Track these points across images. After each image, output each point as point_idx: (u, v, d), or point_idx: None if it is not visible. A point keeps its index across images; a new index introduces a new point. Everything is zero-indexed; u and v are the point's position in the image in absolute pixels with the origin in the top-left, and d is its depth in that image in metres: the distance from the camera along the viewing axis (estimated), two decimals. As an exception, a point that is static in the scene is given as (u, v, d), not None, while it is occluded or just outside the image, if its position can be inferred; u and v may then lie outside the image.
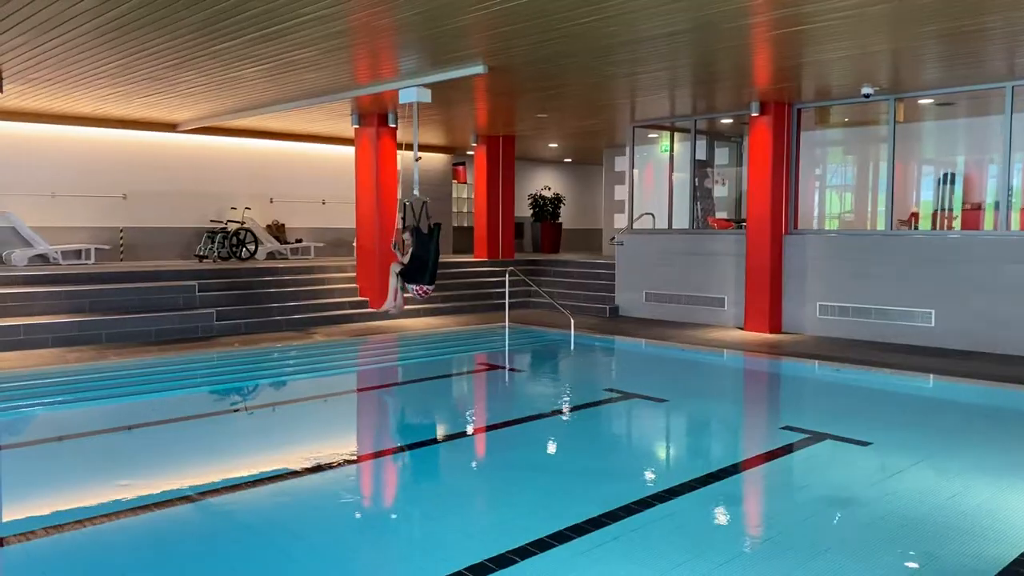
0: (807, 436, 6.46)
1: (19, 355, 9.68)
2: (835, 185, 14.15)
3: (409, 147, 10.58)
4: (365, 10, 7.04)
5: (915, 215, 12.74)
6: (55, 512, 4.85)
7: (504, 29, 7.69)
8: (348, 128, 14.07)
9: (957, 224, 12.20)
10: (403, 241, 10.17)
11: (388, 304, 10.43)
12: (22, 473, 5.87)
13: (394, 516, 5.00)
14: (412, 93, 10.13)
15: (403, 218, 10.25)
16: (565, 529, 4.40)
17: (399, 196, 10.23)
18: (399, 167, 13.17)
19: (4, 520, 4.92)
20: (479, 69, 9.12)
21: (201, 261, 14.59)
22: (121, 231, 14.68)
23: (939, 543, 4.37)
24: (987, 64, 9.20)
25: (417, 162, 10.32)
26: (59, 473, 5.78)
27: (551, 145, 18.87)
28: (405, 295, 10.35)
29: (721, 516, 4.86)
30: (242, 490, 5.24)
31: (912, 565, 4.14)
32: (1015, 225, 10.86)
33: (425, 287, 9.91)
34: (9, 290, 10.79)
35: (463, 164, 21.23)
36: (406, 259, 10.04)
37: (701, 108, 12.83)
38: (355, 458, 6.23)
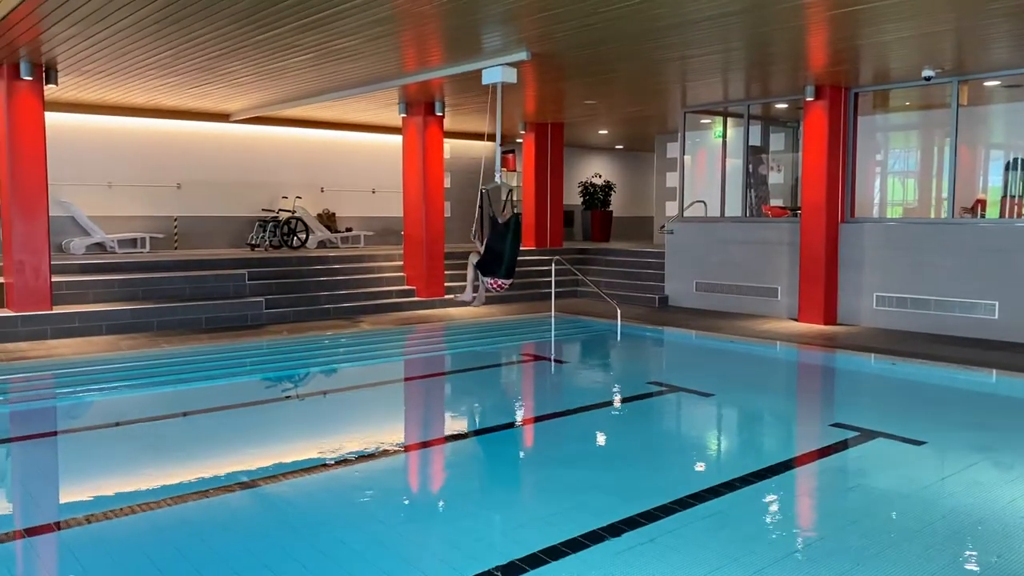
0: (858, 434, 6.21)
1: (75, 342, 9.91)
2: (895, 171, 13.65)
3: (492, 137, 9.74)
4: (405, -4, 6.96)
5: (981, 202, 12.21)
6: (112, 496, 4.95)
7: (546, 14, 7.53)
8: (396, 117, 14.06)
9: (1027, 212, 11.66)
10: (482, 231, 9.63)
11: (466, 296, 9.88)
12: (81, 458, 5.98)
13: (428, 509, 4.93)
14: (496, 73, 9.39)
15: (480, 207, 9.59)
16: (599, 529, 4.28)
17: (479, 184, 9.52)
18: (447, 155, 13.03)
19: (64, 503, 5.03)
20: (522, 56, 8.96)
21: (253, 250, 14.77)
22: (175, 220, 14.94)
23: (997, 550, 4.14)
24: (1059, 43, 8.73)
25: (500, 147, 9.66)
26: (113, 458, 5.87)
27: (601, 132, 18.62)
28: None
29: (762, 518, 4.67)
30: (291, 477, 5.27)
31: (969, 570, 3.92)
32: (1088, 213, 10.34)
33: (500, 281, 9.33)
34: (66, 278, 11.04)
35: (512, 152, 21.09)
36: (483, 249, 9.53)
37: (754, 92, 12.48)
38: (396, 450, 6.19)
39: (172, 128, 14.69)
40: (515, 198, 9.60)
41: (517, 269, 9.60)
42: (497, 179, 9.57)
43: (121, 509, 4.65)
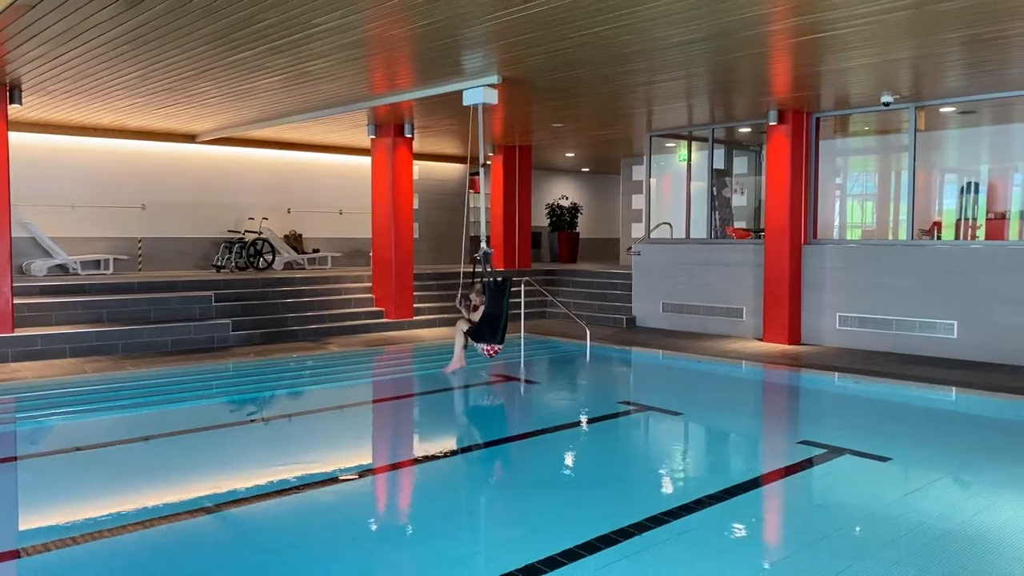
0: (825, 451, 6.33)
1: (37, 365, 9.73)
2: (856, 194, 13.98)
3: (474, 159, 9.39)
4: (378, 21, 7.03)
5: (937, 224, 12.55)
6: (72, 523, 4.86)
7: (518, 39, 7.65)
8: (365, 138, 14.10)
9: (981, 234, 12.00)
10: (471, 299, 9.30)
11: (453, 366, 9.52)
12: (40, 484, 5.85)
13: (401, 531, 4.92)
14: (478, 94, 9.15)
15: (473, 274, 9.29)
16: (575, 547, 4.31)
17: (482, 246, 9.17)
18: (416, 176, 13.02)
19: (22, 530, 4.92)
20: (493, 79, 9.08)
21: (219, 271, 14.63)
22: (139, 241, 14.77)
23: (962, 563, 4.24)
24: (1010, 71, 9.04)
25: (484, 168, 9.35)
26: (76, 484, 5.77)
27: (568, 154, 18.83)
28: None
29: (735, 534, 4.74)
30: (260, 501, 5.22)
31: (933, 587, 4.03)
32: (1040, 235, 10.67)
33: (496, 347, 9.03)
34: (28, 300, 10.85)
35: (477, 174, 21.20)
36: (475, 316, 9.16)
37: (719, 117, 12.73)
38: (367, 471, 6.18)
39: (137, 149, 14.56)
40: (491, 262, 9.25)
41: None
42: (483, 245, 9.30)
43: (83, 536, 4.57)
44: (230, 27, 7.21)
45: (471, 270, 9.53)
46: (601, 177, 23.47)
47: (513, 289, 9.47)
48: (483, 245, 9.33)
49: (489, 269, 9.24)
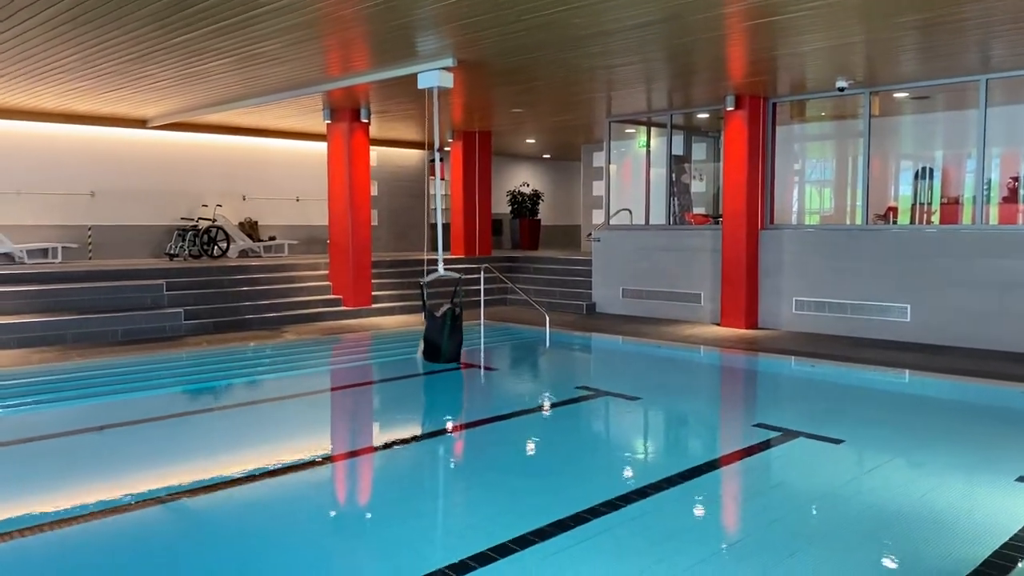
0: (780, 434, 6.35)
1: (-21, 357, 9.44)
2: (812, 180, 14.08)
3: (429, 145, 9.36)
4: (324, 0, 6.85)
5: (893, 209, 12.68)
6: (21, 516, 4.70)
7: (470, 20, 7.52)
8: (321, 124, 13.86)
9: (936, 218, 12.15)
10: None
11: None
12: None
13: (357, 519, 4.83)
14: (433, 77, 8.90)
15: (423, 298, 9.19)
16: (530, 533, 4.25)
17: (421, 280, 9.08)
18: (374, 163, 12.84)
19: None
20: (448, 62, 8.94)
21: (172, 260, 14.34)
22: (89, 229, 14.40)
23: (912, 541, 4.27)
24: (962, 57, 9.13)
25: (440, 156, 9.21)
26: (25, 476, 5.58)
27: (529, 141, 18.73)
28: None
29: (692, 517, 4.73)
30: (214, 491, 5.09)
31: (885, 563, 4.04)
32: (992, 219, 10.82)
33: None
34: (-31, 290, 10.52)
35: (440, 159, 21.00)
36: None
37: (677, 103, 12.72)
38: (324, 459, 6.07)
39: (86, 134, 14.17)
40: (460, 288, 9.01)
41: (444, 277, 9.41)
42: (440, 270, 9.22)
43: (32, 528, 4.42)
44: (170, 7, 6.98)
45: (422, 275, 9.39)
46: (562, 164, 23.43)
47: (466, 300, 9.23)
48: (439, 268, 9.19)
49: (454, 298, 8.89)
